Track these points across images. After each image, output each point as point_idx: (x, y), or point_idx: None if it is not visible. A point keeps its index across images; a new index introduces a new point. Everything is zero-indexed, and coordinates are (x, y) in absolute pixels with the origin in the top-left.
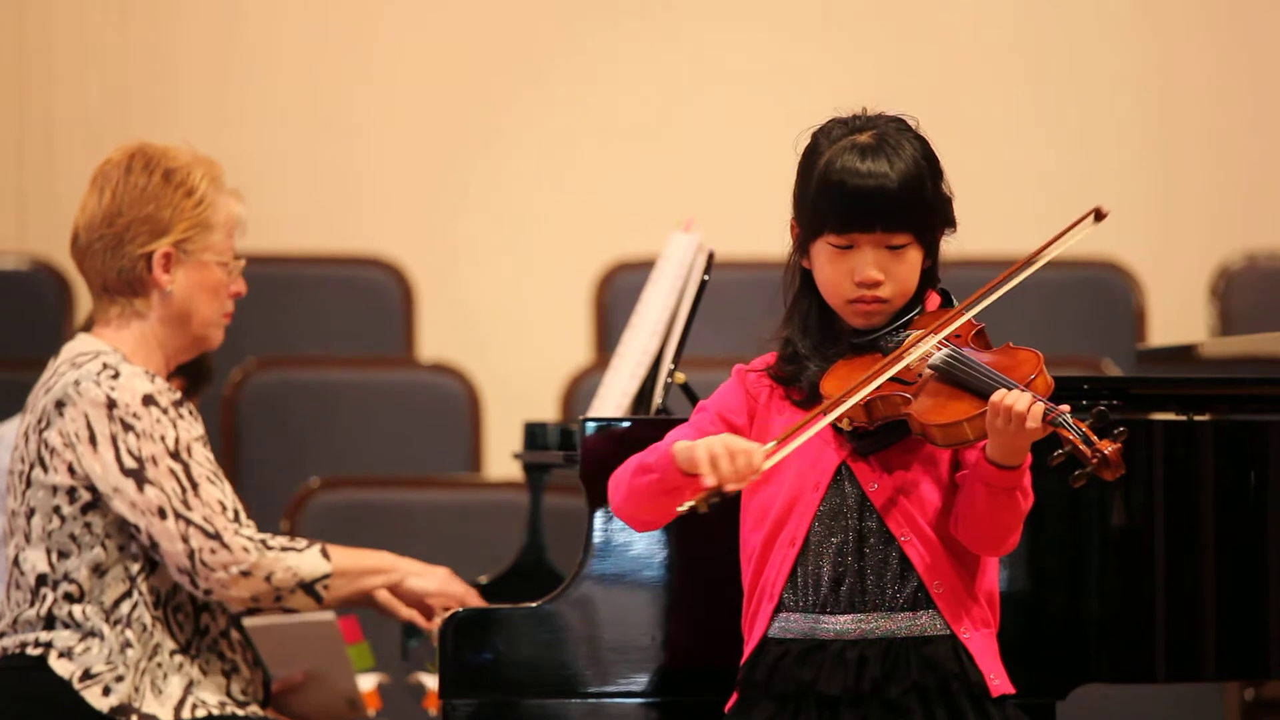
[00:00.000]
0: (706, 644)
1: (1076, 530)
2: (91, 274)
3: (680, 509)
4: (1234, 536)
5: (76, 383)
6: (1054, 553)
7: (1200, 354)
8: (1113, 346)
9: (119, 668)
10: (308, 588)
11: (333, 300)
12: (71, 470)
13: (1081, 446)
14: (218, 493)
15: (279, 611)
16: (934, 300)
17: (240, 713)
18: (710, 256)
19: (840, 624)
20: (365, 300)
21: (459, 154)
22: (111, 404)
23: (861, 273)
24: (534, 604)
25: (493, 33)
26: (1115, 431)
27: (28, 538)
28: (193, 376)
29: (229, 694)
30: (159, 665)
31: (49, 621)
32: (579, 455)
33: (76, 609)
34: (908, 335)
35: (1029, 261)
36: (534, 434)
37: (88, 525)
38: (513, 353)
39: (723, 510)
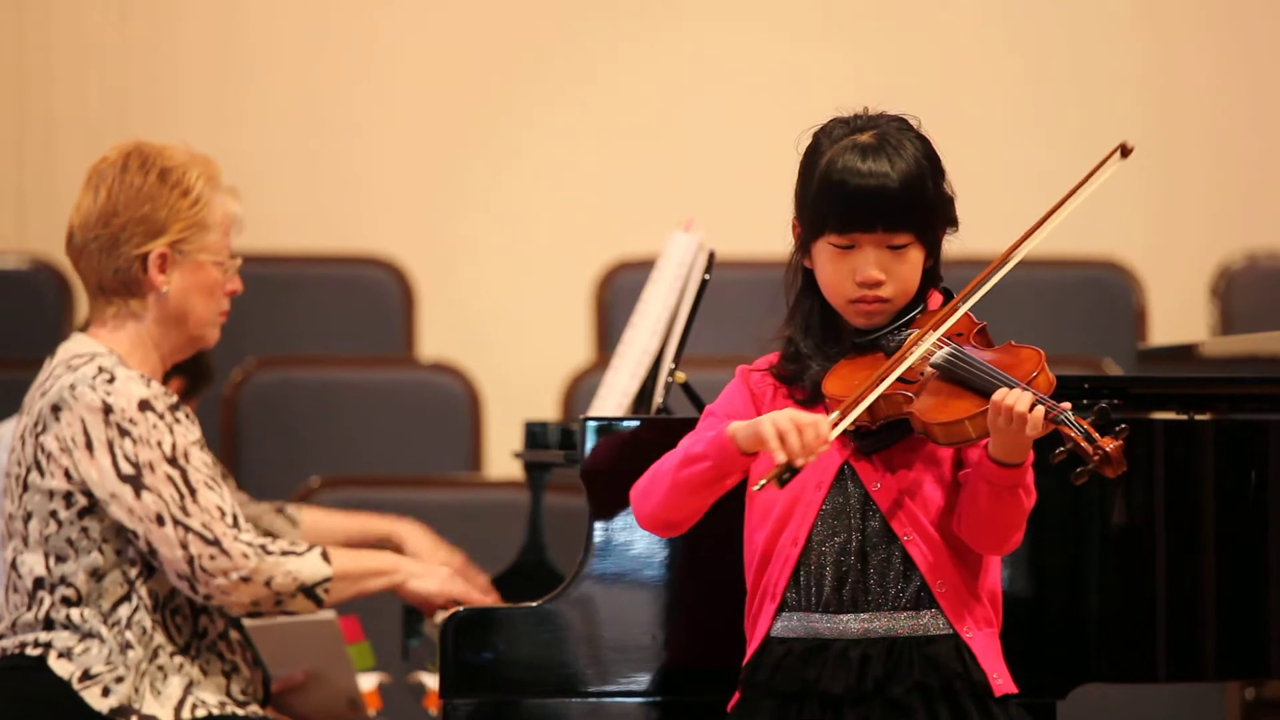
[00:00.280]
0: (707, 643)
1: (1077, 529)
2: (87, 274)
3: (755, 488)
4: (1234, 536)
5: (72, 387)
6: (1054, 552)
7: (1201, 353)
8: (1113, 346)
9: (119, 668)
10: (308, 591)
11: (333, 300)
12: (68, 475)
13: (1083, 444)
14: (216, 498)
15: (280, 615)
16: (936, 299)
17: (240, 712)
18: (711, 256)
19: (843, 623)
20: (365, 300)
21: (459, 153)
22: (108, 409)
23: (863, 273)
24: (534, 603)
25: (493, 32)
26: (1117, 429)
27: (25, 541)
28: (193, 376)
29: (229, 694)
30: (159, 666)
31: (48, 623)
32: (580, 455)
33: (75, 612)
34: (909, 335)
35: (1057, 208)
36: (534, 433)
37: (85, 530)
38: (513, 352)
39: (722, 509)
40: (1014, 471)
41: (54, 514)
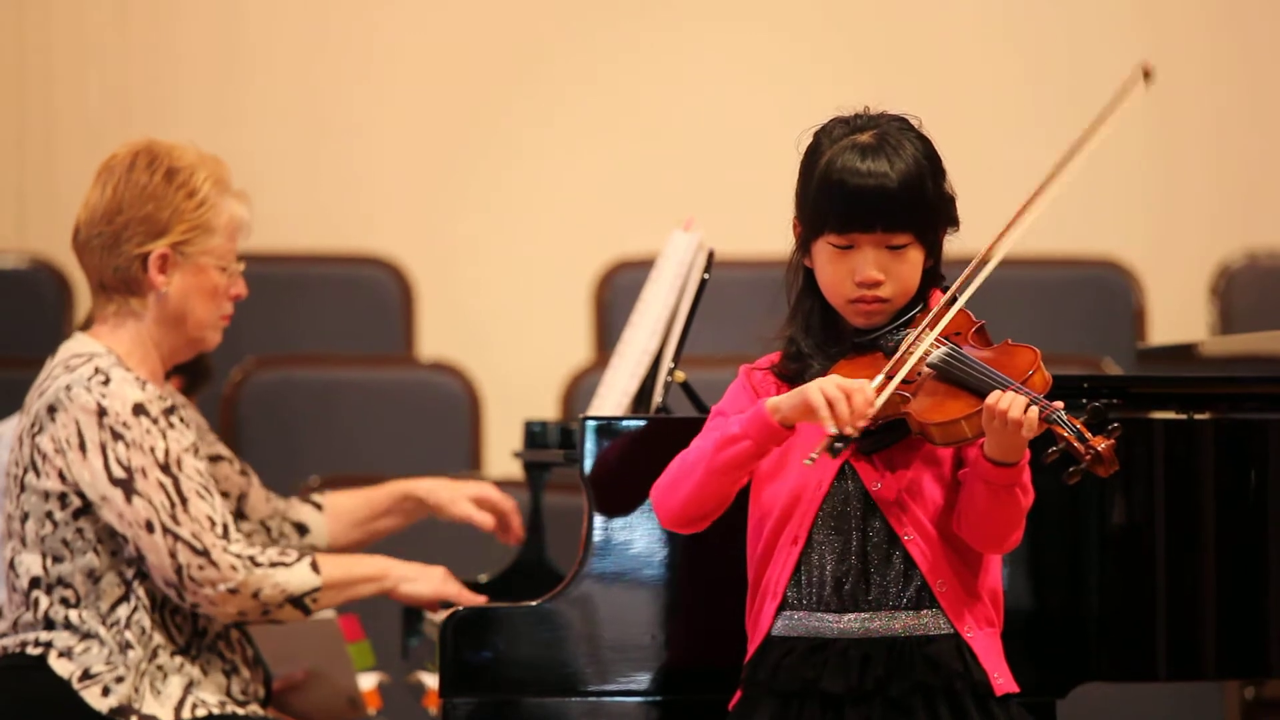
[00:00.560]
0: (706, 642)
1: (1076, 528)
2: (90, 270)
3: (807, 461)
4: (1234, 535)
5: (68, 388)
6: (1054, 550)
7: (1200, 353)
8: (1113, 345)
9: (119, 668)
10: (296, 601)
11: (332, 299)
12: (62, 476)
13: (1075, 443)
14: (207, 508)
15: (267, 624)
16: (937, 299)
17: (240, 712)
18: (710, 255)
19: (844, 623)
20: (365, 299)
21: (459, 153)
22: (102, 411)
23: (862, 272)
24: (534, 602)
25: (493, 33)
26: (1109, 428)
27: (23, 541)
28: (192, 375)
29: (229, 694)
30: (159, 666)
31: (48, 623)
32: (580, 454)
33: (73, 613)
34: (909, 334)
35: (1081, 143)
36: (534, 433)
37: (79, 531)
38: (513, 351)
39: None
40: (1010, 470)
41: (49, 515)
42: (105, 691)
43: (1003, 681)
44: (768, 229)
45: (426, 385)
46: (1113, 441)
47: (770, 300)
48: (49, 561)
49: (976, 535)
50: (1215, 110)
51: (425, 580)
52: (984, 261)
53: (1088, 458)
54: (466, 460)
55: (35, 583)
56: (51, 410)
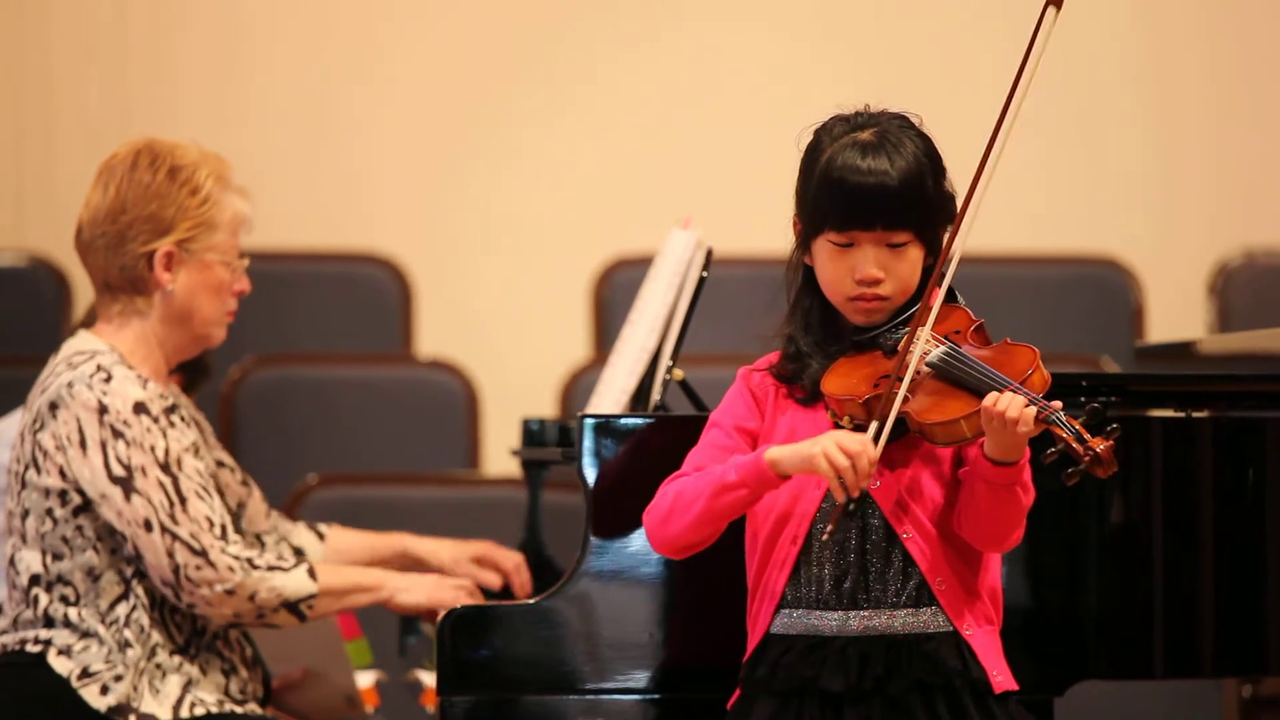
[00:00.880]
0: (704, 641)
1: (1075, 527)
2: (94, 270)
3: (824, 538)
4: (1232, 533)
5: (70, 385)
6: (1052, 549)
7: (1198, 351)
8: (1111, 343)
9: (117, 667)
10: (291, 607)
11: (331, 297)
12: (62, 473)
13: (1074, 444)
14: (205, 508)
15: (262, 627)
16: (936, 297)
17: (239, 711)
18: (709, 253)
19: (843, 621)
20: (363, 297)
21: (457, 152)
22: (103, 409)
23: (862, 270)
24: (532, 600)
25: (492, 32)
26: (1108, 429)
27: (23, 538)
28: (191, 373)
29: (227, 693)
30: (157, 665)
31: (48, 620)
32: (578, 452)
33: (72, 611)
34: (907, 333)
35: (1016, 89)
36: (532, 431)
37: (79, 528)
38: (511, 349)
39: None
40: (1010, 470)
41: (50, 511)
42: (104, 690)
43: (1001, 679)
44: (766, 227)
45: (425, 383)
46: (1111, 442)
47: (769, 298)
48: (49, 559)
49: (977, 534)
50: (1213, 109)
51: (420, 590)
52: (951, 243)
53: (1086, 458)
54: (464, 458)
55: (35, 580)
56: (53, 407)
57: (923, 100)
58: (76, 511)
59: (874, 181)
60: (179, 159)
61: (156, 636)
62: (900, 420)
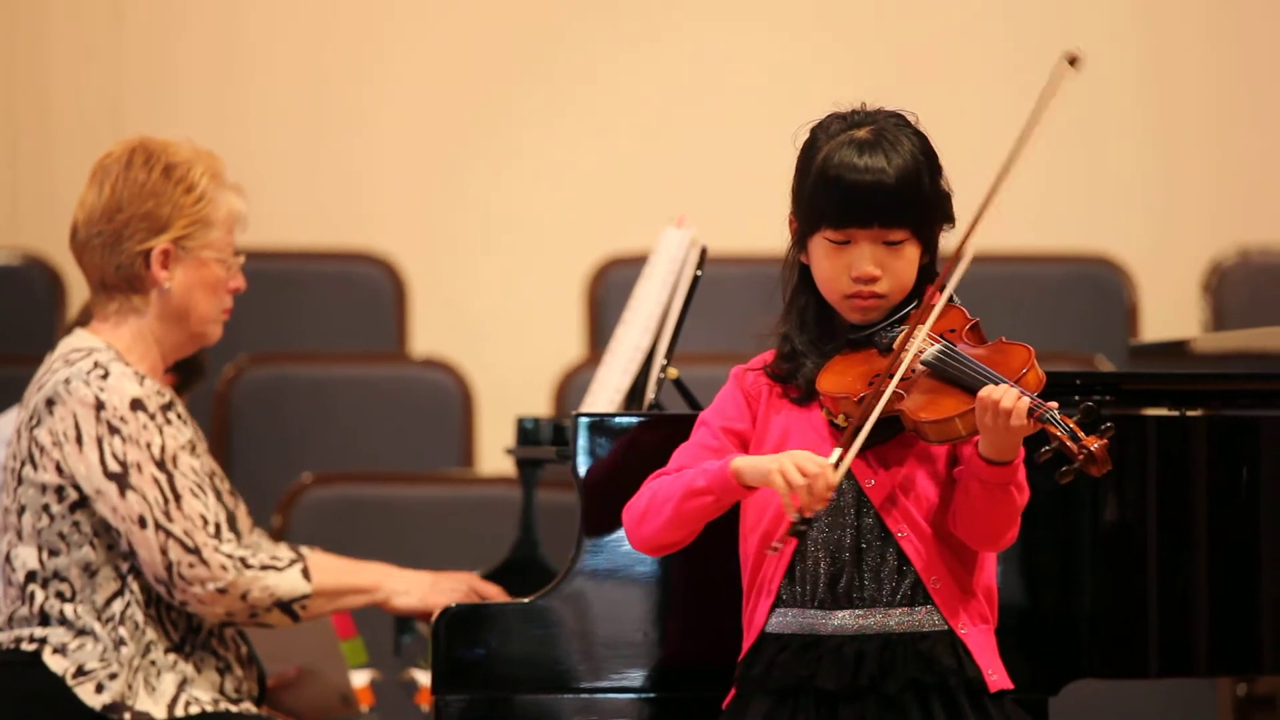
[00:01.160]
0: (699, 640)
1: (1069, 525)
2: (90, 269)
3: (770, 551)
4: (1226, 532)
5: (67, 381)
6: (1046, 547)
7: (1193, 349)
8: (1106, 342)
9: (112, 665)
10: (284, 607)
11: (325, 296)
12: (59, 469)
13: (1068, 443)
14: (200, 506)
15: (254, 626)
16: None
17: (234, 710)
18: (703, 252)
19: (838, 620)
20: (358, 296)
21: (452, 151)
22: (100, 405)
23: (858, 268)
24: (526, 599)
25: (488, 32)
26: (1102, 427)
27: (19, 534)
28: (185, 373)
29: (222, 691)
30: (152, 662)
31: (43, 619)
32: (572, 451)
33: (69, 608)
34: (903, 331)
35: (1023, 138)
36: (526, 429)
37: (76, 524)
38: (505, 348)
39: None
40: (1005, 469)
41: (46, 508)
42: (99, 688)
43: (997, 678)
44: (760, 226)
45: (419, 382)
46: (1106, 441)
47: (763, 297)
48: (45, 555)
49: (972, 533)
50: (1209, 109)
51: (416, 593)
52: (957, 259)
53: (1080, 457)
54: (459, 457)
55: (31, 576)
56: (50, 403)
57: (921, 98)
58: (73, 507)
59: (871, 179)
60: (173, 157)
61: (152, 633)
62: (895, 418)
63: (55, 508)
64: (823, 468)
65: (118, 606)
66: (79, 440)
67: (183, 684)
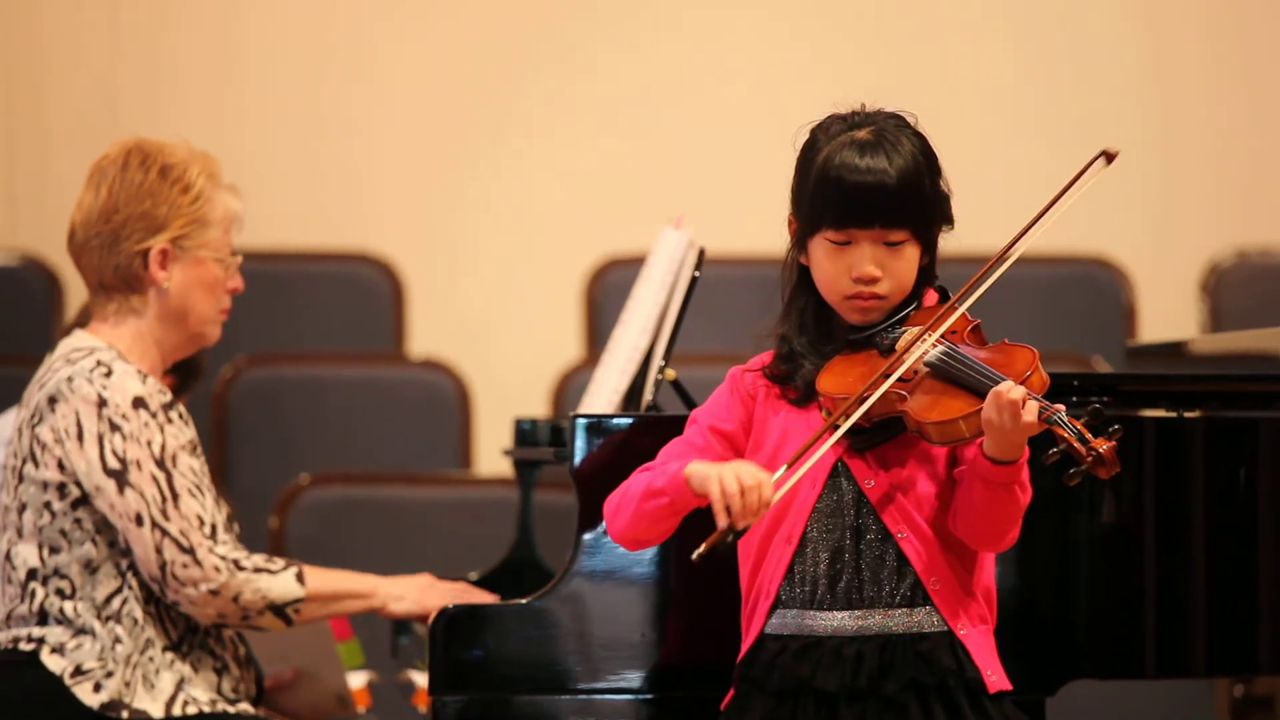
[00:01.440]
0: (697, 641)
1: (1067, 527)
2: (88, 271)
3: (695, 556)
4: (1224, 532)
5: (70, 379)
6: (1044, 548)
7: (1190, 350)
8: (1103, 343)
9: (109, 664)
10: (277, 610)
11: (323, 296)
12: (61, 466)
13: (1076, 445)
14: (197, 506)
15: (247, 629)
16: (931, 297)
17: (231, 710)
18: (701, 253)
19: (837, 620)
20: (356, 296)
21: (450, 151)
22: (102, 402)
23: (859, 268)
24: (524, 600)
25: (486, 32)
26: (1110, 430)
27: (20, 533)
28: (183, 374)
29: (219, 691)
30: (150, 659)
31: (42, 617)
32: (570, 452)
33: (68, 605)
34: (904, 332)
35: (1040, 218)
36: (524, 430)
37: (78, 521)
38: (503, 349)
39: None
40: (1009, 469)
41: (48, 505)
42: (96, 687)
43: (995, 679)
44: (757, 227)
45: (417, 383)
46: (1114, 443)
47: (760, 298)
48: (46, 552)
49: (973, 534)
50: (1207, 110)
51: (411, 598)
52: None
53: (1089, 459)
54: (456, 458)
55: (32, 574)
56: (52, 401)
57: (919, 98)
58: (75, 504)
59: (872, 180)
60: (169, 157)
61: (151, 631)
62: (897, 419)
63: (57, 505)
64: (760, 481)
65: (117, 603)
66: (80, 437)
67: (181, 683)
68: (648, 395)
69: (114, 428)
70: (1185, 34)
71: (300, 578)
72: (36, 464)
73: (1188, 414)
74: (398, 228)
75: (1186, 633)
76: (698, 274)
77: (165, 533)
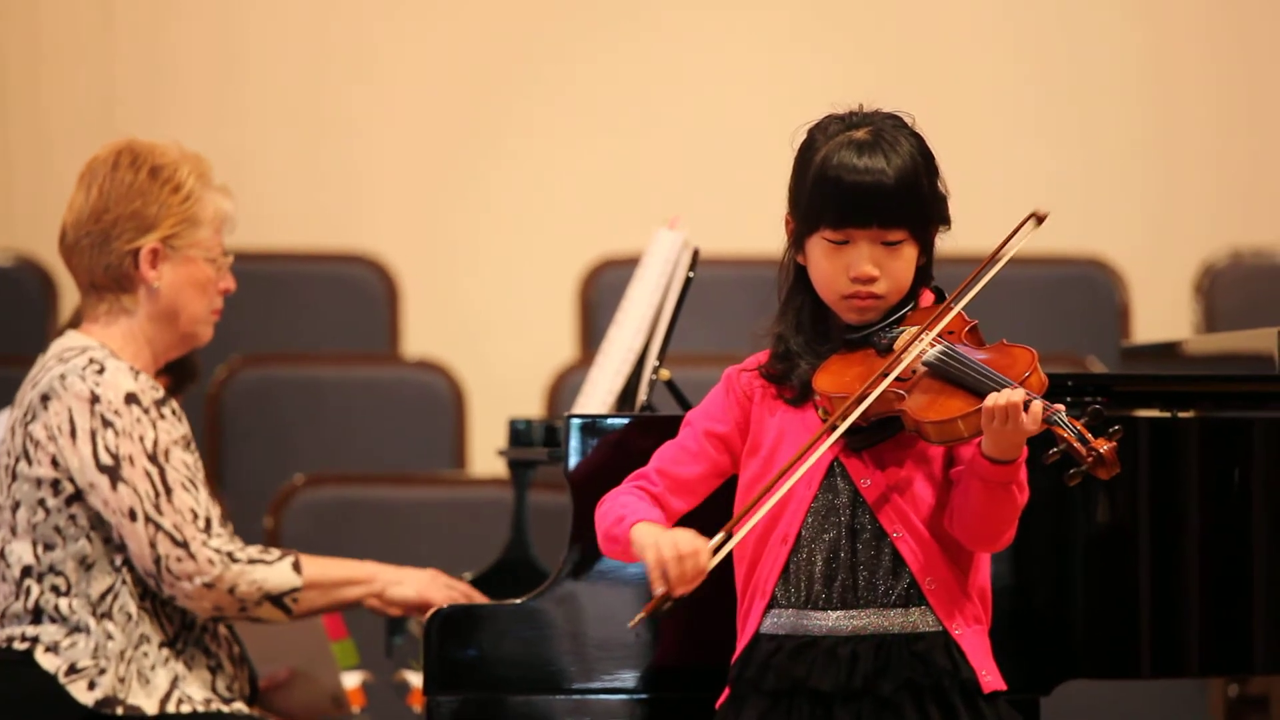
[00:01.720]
0: (691, 641)
1: (1062, 527)
2: (79, 271)
3: (631, 625)
4: (1218, 533)
5: (62, 377)
6: (1039, 548)
7: (1185, 351)
8: (1098, 343)
9: (103, 661)
10: (275, 600)
11: (318, 297)
12: (54, 463)
13: (1077, 445)
14: (190, 500)
15: (246, 621)
16: (928, 297)
17: (225, 709)
18: (695, 253)
19: (832, 620)
20: (350, 297)
21: (445, 152)
22: (94, 399)
23: (857, 268)
24: (518, 600)
25: (482, 34)
26: (1110, 430)
27: (14, 531)
28: (178, 374)
29: (214, 690)
30: (145, 655)
31: (36, 615)
32: (564, 452)
33: (63, 602)
34: (901, 332)
35: (973, 279)
36: (518, 431)
37: (72, 518)
38: (498, 349)
39: (708, 507)
40: (1007, 468)
41: (42, 502)
42: (91, 685)
43: (990, 679)
44: (752, 227)
45: (411, 383)
46: (1114, 444)
47: (755, 298)
48: (40, 549)
49: (970, 534)
50: (1203, 110)
51: (412, 584)
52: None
53: (1089, 459)
54: (451, 458)
55: (26, 571)
56: (45, 399)
57: (917, 98)
58: (69, 501)
59: (871, 180)
60: (159, 158)
61: (146, 627)
62: (895, 419)
63: (51, 501)
64: (697, 550)
65: (111, 600)
66: (73, 433)
67: (175, 681)
68: (642, 396)
69: (106, 424)
70: (1185, 34)
71: (297, 567)
72: (30, 461)
73: (1182, 414)
74: (393, 228)
75: (1181, 632)
76: (692, 274)
77: (159, 527)
